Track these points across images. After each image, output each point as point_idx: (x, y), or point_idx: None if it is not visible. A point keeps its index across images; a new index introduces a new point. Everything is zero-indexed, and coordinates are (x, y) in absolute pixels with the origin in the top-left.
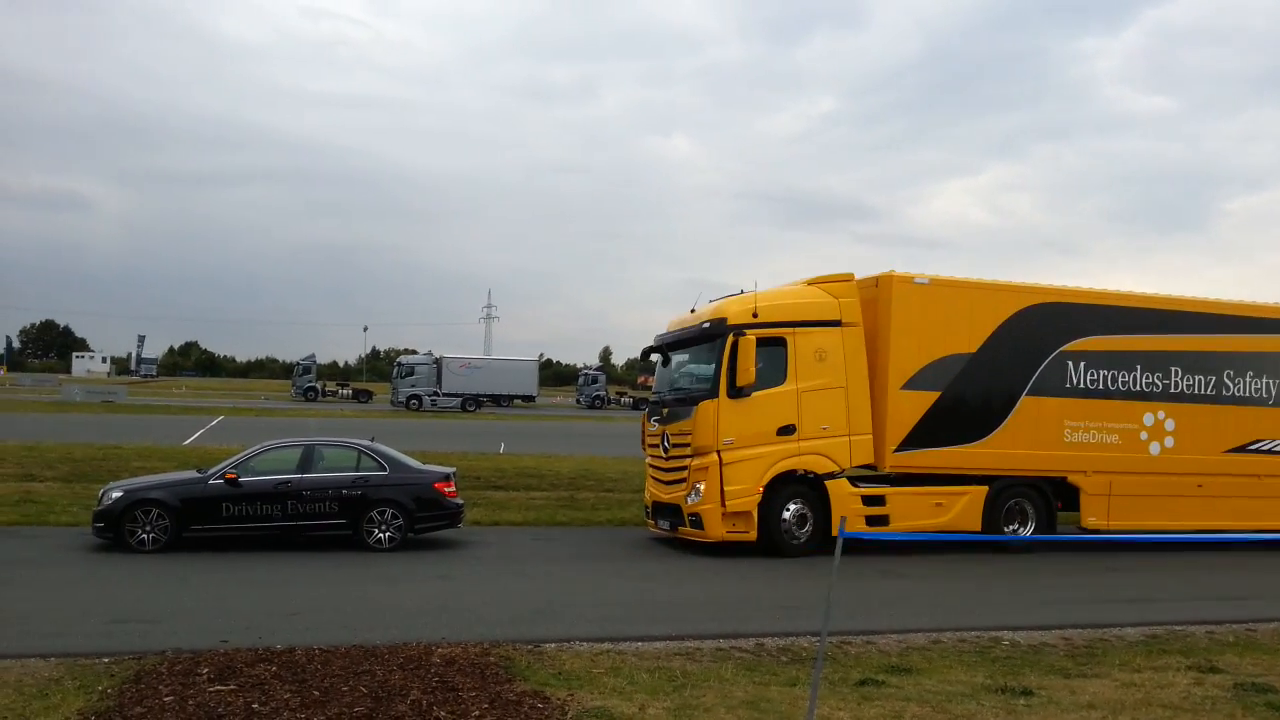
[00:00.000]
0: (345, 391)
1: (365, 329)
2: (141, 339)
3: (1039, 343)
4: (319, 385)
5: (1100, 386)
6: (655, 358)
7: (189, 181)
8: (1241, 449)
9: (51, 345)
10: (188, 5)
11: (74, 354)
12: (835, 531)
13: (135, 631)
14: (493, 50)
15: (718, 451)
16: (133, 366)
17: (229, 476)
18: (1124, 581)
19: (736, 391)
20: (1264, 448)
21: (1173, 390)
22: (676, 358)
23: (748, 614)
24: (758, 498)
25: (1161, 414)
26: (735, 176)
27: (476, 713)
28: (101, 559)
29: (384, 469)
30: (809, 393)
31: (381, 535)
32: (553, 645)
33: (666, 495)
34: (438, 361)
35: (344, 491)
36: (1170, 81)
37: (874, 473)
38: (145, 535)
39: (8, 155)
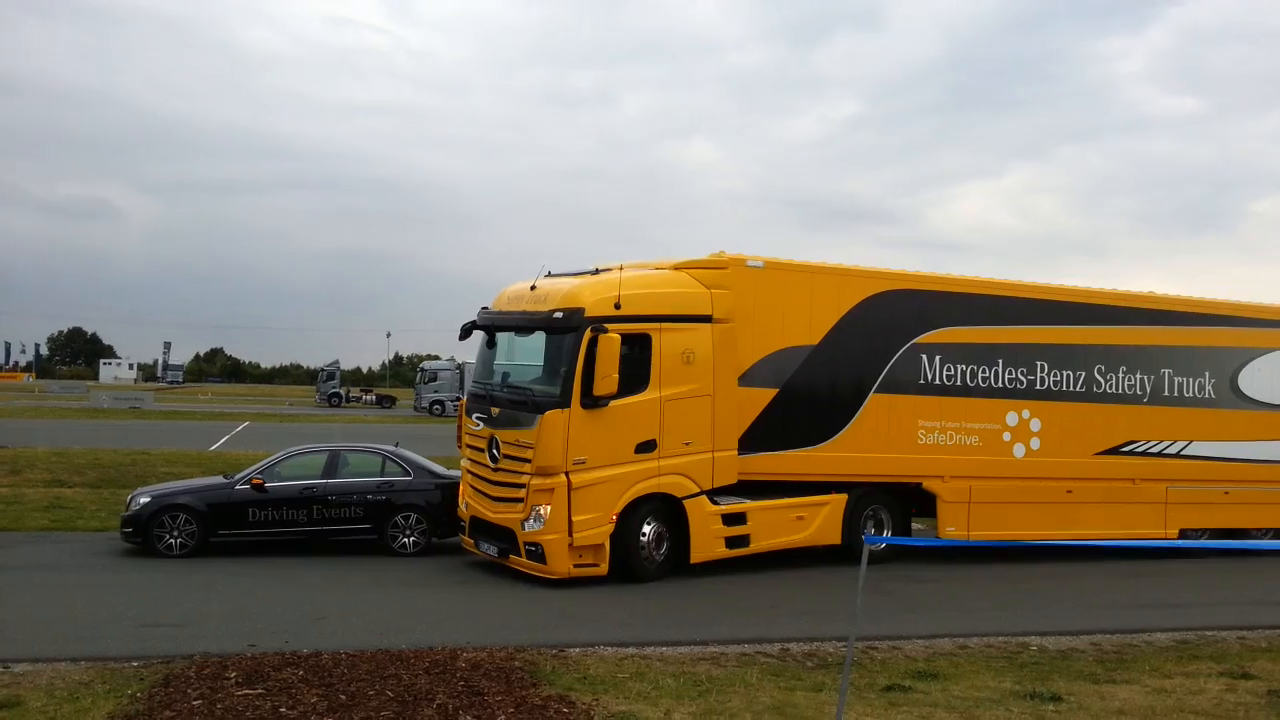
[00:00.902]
0: (369, 397)
1: (388, 335)
2: (168, 346)
3: (889, 334)
4: (343, 391)
5: (958, 383)
6: (479, 335)
7: (214, 190)
8: (1114, 450)
9: (79, 352)
10: (212, 16)
11: (101, 361)
12: (695, 558)
13: (164, 636)
14: (513, 57)
15: (566, 473)
16: (159, 373)
17: (255, 482)
18: (1152, 586)
19: (592, 401)
20: (1139, 449)
21: (1038, 387)
22: (508, 340)
23: (773, 619)
24: (611, 528)
25: (1026, 413)
26: (757, 181)
27: (502, 717)
28: (130, 564)
29: (408, 474)
30: (672, 402)
31: (406, 540)
32: (577, 650)
33: (494, 514)
34: (460, 367)
35: (369, 497)
36: (1198, 82)
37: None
38: (173, 540)
39: (36, 166)
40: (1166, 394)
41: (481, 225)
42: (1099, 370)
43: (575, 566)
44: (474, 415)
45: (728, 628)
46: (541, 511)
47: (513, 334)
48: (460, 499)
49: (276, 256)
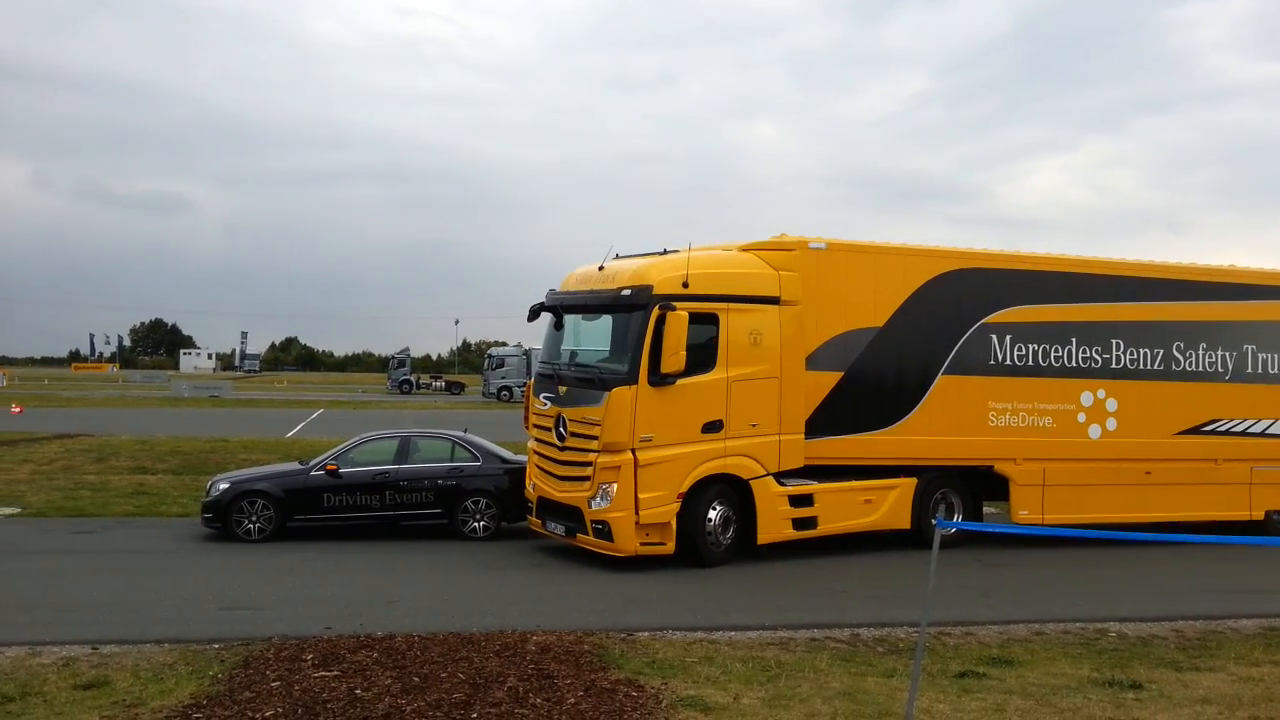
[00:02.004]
0: (438, 384)
1: (457, 322)
2: (244, 335)
3: (957, 314)
4: (413, 378)
5: (1030, 363)
6: (546, 317)
7: (285, 181)
8: (1195, 430)
9: (160, 343)
10: (281, 10)
11: (181, 351)
12: (761, 539)
13: (243, 619)
14: (575, 42)
15: (632, 450)
16: (237, 362)
17: (329, 468)
18: (1239, 571)
19: (660, 378)
20: (1221, 429)
21: (1114, 366)
22: (575, 322)
23: (843, 603)
24: (677, 506)
25: (1102, 393)
26: (822, 160)
27: (572, 700)
28: (210, 548)
29: (477, 459)
30: (739, 383)
31: (476, 524)
32: (646, 634)
33: (561, 493)
34: (527, 353)
35: (439, 482)
36: None
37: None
38: (251, 525)
39: (116, 162)
40: (1250, 371)
41: (545, 211)
42: (1178, 347)
43: (642, 545)
44: (541, 395)
45: (797, 612)
46: (608, 489)
47: (580, 316)
48: (527, 480)
49: (346, 246)
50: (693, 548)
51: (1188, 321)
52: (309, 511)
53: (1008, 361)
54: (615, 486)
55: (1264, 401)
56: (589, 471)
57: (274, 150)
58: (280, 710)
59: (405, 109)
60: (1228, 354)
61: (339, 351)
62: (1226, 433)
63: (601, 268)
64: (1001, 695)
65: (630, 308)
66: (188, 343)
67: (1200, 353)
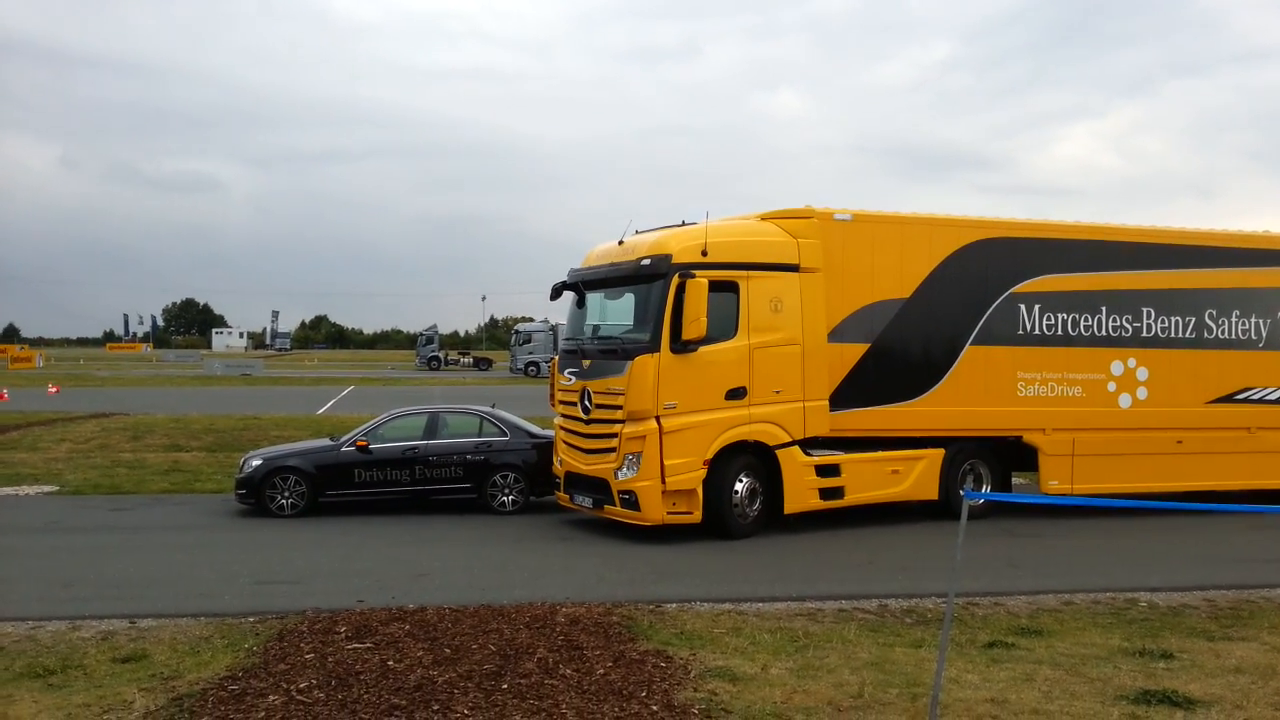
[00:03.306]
0: (466, 360)
1: (484, 298)
2: (275, 314)
3: (985, 284)
4: (442, 354)
5: (1059, 332)
6: (569, 296)
7: (312, 160)
8: (1228, 399)
9: (192, 322)
10: None
11: (214, 330)
12: (788, 508)
13: (277, 592)
14: (597, 14)
15: (657, 418)
16: (268, 340)
17: (360, 444)
18: (1270, 540)
19: (682, 345)
20: (1254, 397)
21: (1145, 334)
22: (598, 299)
23: (870, 575)
24: (703, 473)
25: (1132, 362)
26: (848, 130)
27: (601, 671)
28: (244, 524)
29: (505, 434)
30: (761, 350)
31: (505, 499)
32: (674, 605)
33: (587, 466)
34: (554, 329)
35: (468, 457)
36: None
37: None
38: (284, 501)
39: (142, 143)
40: None
41: (570, 185)
42: (1210, 315)
43: (669, 514)
44: (566, 371)
45: (825, 583)
46: (634, 459)
47: (602, 294)
48: (554, 456)
49: (373, 224)
50: (719, 519)
51: (1220, 289)
52: (340, 487)
53: (1036, 331)
54: (641, 455)
55: None
56: (614, 443)
57: (301, 129)
58: (314, 681)
59: (430, 85)
60: (1261, 321)
61: (368, 329)
62: (1260, 401)
63: (621, 242)
64: (1031, 665)
65: (651, 277)
66: (219, 322)
67: (1233, 320)
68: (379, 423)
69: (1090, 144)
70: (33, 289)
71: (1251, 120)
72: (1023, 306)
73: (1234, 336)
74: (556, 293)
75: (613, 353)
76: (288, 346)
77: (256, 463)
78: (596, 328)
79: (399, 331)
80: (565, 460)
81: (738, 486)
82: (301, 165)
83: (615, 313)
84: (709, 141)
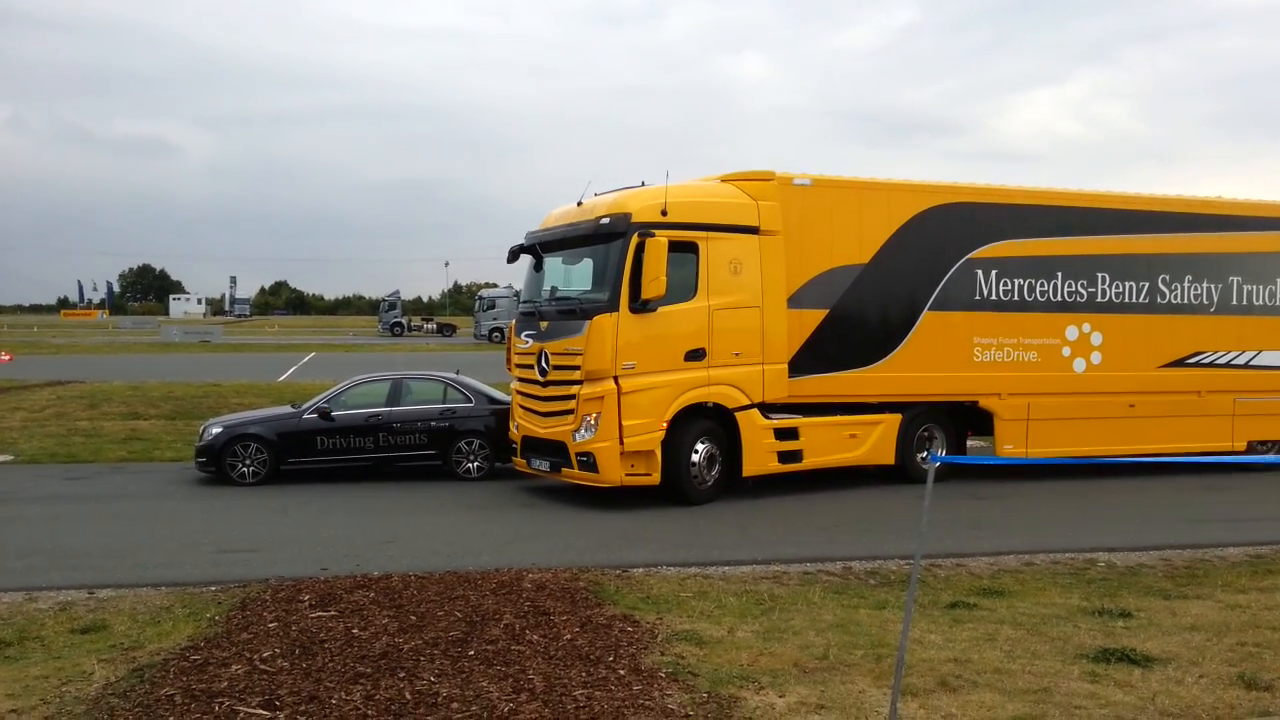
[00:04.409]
0: (430, 326)
1: (446, 264)
2: (234, 280)
3: (942, 250)
4: (404, 320)
5: (1015, 298)
6: (527, 260)
7: (270, 122)
8: (1179, 363)
9: (149, 288)
10: None
11: (171, 296)
12: (746, 470)
13: (240, 561)
14: None
15: (615, 378)
16: (227, 307)
17: (322, 411)
18: (1225, 500)
19: (641, 305)
20: (1205, 360)
21: (1099, 299)
22: (555, 261)
23: (835, 537)
24: (661, 434)
25: (1087, 326)
26: (813, 95)
27: (568, 636)
28: (205, 492)
29: (469, 400)
30: (721, 311)
31: (470, 465)
32: (640, 569)
33: (545, 429)
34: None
35: (432, 423)
36: None
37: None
38: (245, 469)
39: (92, 103)
40: (1234, 303)
41: (534, 149)
42: (1163, 280)
43: (627, 475)
44: (523, 334)
45: (790, 547)
46: (591, 420)
47: (560, 256)
48: (511, 420)
49: (334, 188)
50: (678, 485)
51: (1173, 254)
52: (302, 454)
53: (993, 297)
54: (599, 416)
55: (1247, 333)
56: (572, 405)
57: (258, 90)
58: (278, 650)
59: (390, 46)
60: (1212, 286)
61: (329, 295)
62: (1210, 365)
63: (580, 203)
64: (993, 625)
65: (609, 236)
66: (177, 288)
67: (1185, 285)
68: (341, 389)
69: (1051, 110)
70: None
71: (1209, 86)
72: (980, 272)
73: (1186, 301)
74: (514, 255)
75: (571, 313)
76: (247, 313)
77: (217, 430)
78: (554, 289)
79: (361, 297)
80: (522, 424)
81: (696, 451)
82: (259, 128)
83: (574, 275)
84: (674, 105)
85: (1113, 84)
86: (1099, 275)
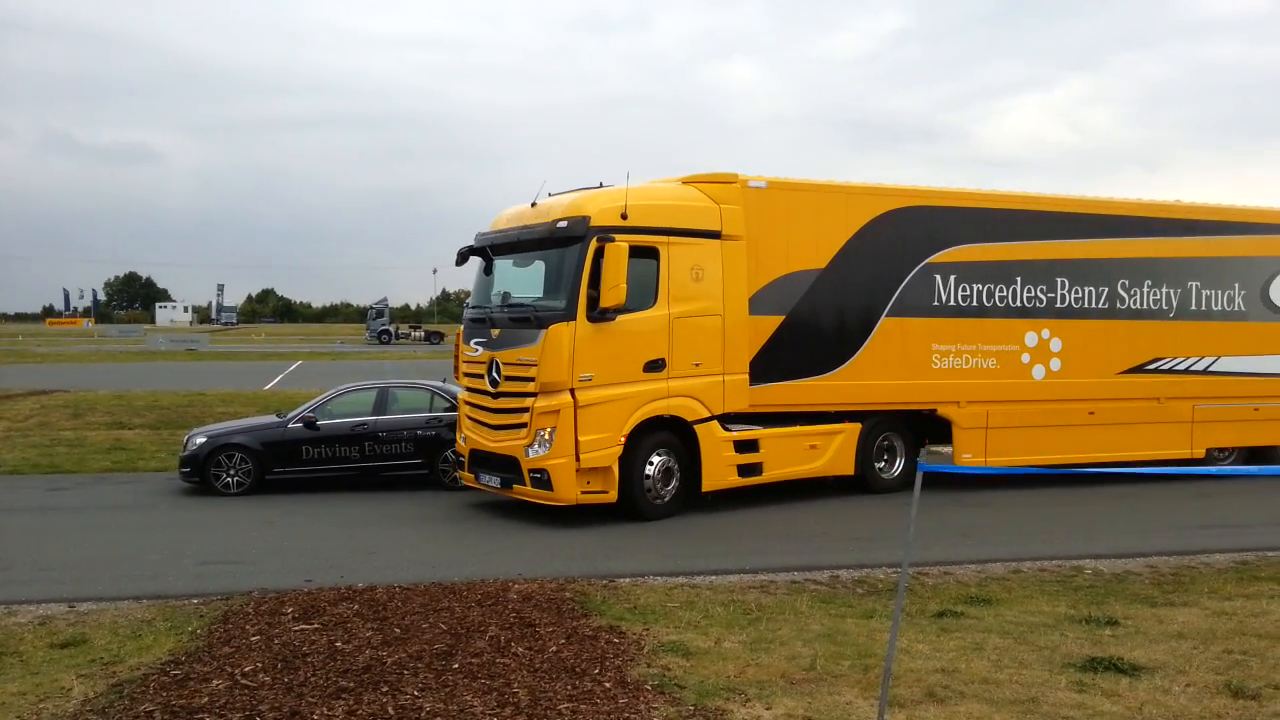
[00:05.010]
0: (418, 334)
1: (435, 271)
2: (220, 288)
3: (900, 254)
4: (392, 328)
5: (974, 303)
6: (476, 262)
7: (257, 129)
8: (1139, 369)
9: (135, 296)
10: None
11: (157, 304)
12: (706, 486)
13: (223, 573)
14: None
15: (572, 390)
16: (213, 315)
17: (307, 420)
18: (1211, 507)
19: (599, 314)
20: (1164, 367)
21: (1059, 305)
22: (507, 264)
23: (821, 546)
24: (619, 449)
25: (1046, 333)
26: (801, 102)
27: (554, 647)
28: (189, 503)
29: (456, 409)
30: (681, 320)
31: (456, 474)
32: (627, 580)
33: (495, 443)
34: None
35: (419, 432)
36: None
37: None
38: (230, 479)
39: (78, 110)
40: (1194, 308)
41: (522, 157)
42: (1122, 285)
43: (583, 493)
44: (472, 341)
45: (776, 556)
46: (546, 434)
47: (512, 259)
48: (458, 432)
49: (322, 195)
50: (631, 500)
51: (1132, 258)
52: (288, 464)
53: (951, 302)
54: (554, 431)
55: (1206, 339)
56: (525, 418)
57: (244, 97)
58: (260, 664)
59: (377, 53)
60: (1171, 291)
61: (317, 302)
62: (1169, 371)
63: (534, 204)
64: (980, 634)
65: (567, 240)
66: (163, 296)
67: (1144, 290)
68: (327, 398)
69: (1038, 115)
70: None
71: (1195, 93)
72: (938, 277)
73: (1145, 306)
74: (463, 258)
75: (525, 321)
76: (234, 321)
77: (201, 440)
78: (506, 295)
79: (348, 305)
80: (470, 437)
81: (650, 464)
82: (245, 135)
83: (527, 279)
84: (663, 112)
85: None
86: (1058, 280)
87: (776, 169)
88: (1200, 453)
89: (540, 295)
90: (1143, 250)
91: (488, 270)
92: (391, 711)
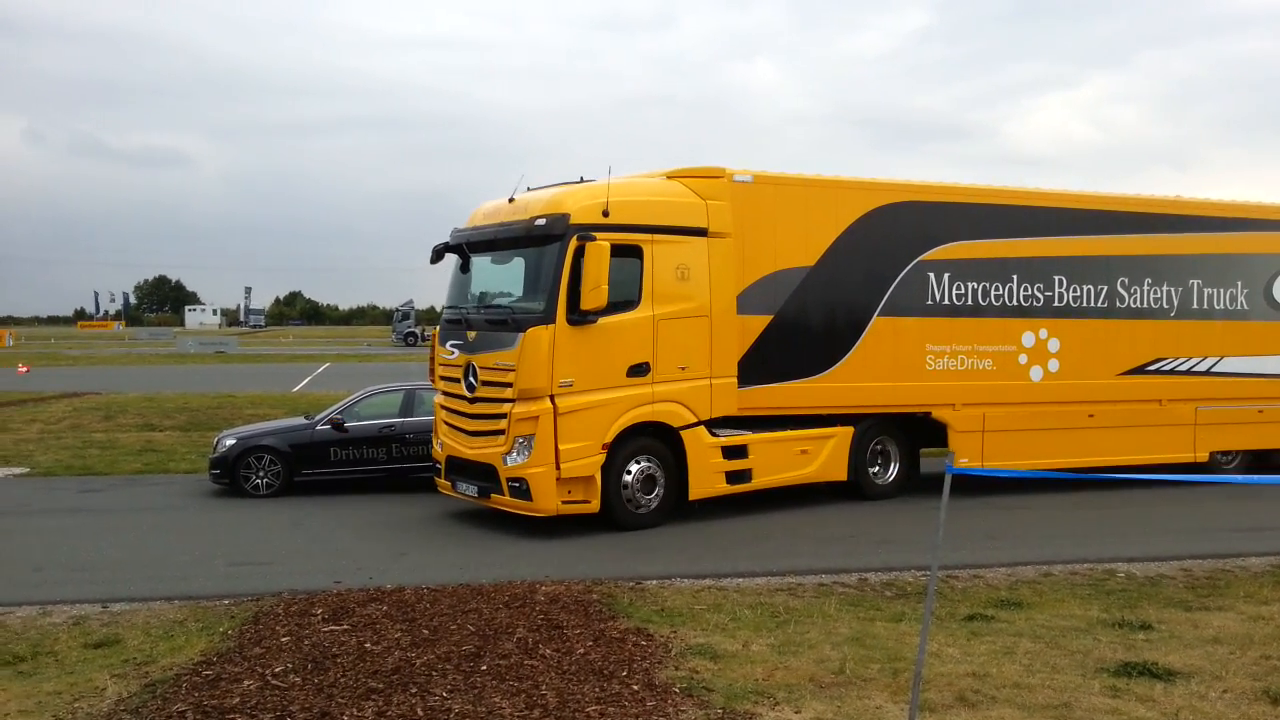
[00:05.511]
0: None
1: (509, 275)
2: (248, 291)
3: (892, 252)
4: (418, 330)
5: (969, 302)
6: (452, 260)
7: (283, 132)
8: (1139, 370)
9: (165, 299)
10: None
11: (186, 307)
12: (693, 494)
13: (253, 574)
14: None
15: (551, 396)
16: (242, 317)
17: (335, 422)
18: (1244, 509)
19: (580, 316)
20: (1166, 368)
21: (1057, 304)
22: (485, 262)
23: (849, 549)
24: (601, 457)
25: (1044, 333)
26: (823, 101)
27: (581, 650)
28: (219, 504)
29: None
30: (667, 321)
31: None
32: (654, 582)
33: (472, 450)
34: None
35: None
36: None
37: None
38: (259, 480)
39: (107, 115)
40: (1196, 307)
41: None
42: (1122, 283)
43: (563, 503)
44: (448, 343)
45: (804, 558)
46: (524, 442)
47: (490, 257)
48: (434, 438)
49: (348, 197)
50: (609, 509)
51: (1132, 256)
52: (316, 466)
53: (946, 301)
54: (533, 438)
55: (1209, 338)
56: (503, 425)
57: (271, 100)
58: (290, 665)
59: (401, 55)
60: (1173, 289)
61: (344, 305)
62: (1171, 372)
63: (512, 199)
64: (1011, 638)
65: (545, 239)
66: (192, 299)
67: (1145, 288)
68: (354, 400)
69: (1064, 114)
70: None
71: (1223, 89)
72: (932, 275)
73: (1146, 305)
74: (438, 255)
75: (502, 324)
76: (262, 323)
77: (230, 442)
78: (483, 295)
79: (375, 307)
80: (447, 443)
81: (629, 473)
82: (272, 138)
83: (503, 276)
84: (686, 111)
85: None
86: (1056, 278)
87: (799, 168)
88: (1203, 456)
89: (518, 296)
90: (1143, 247)
91: (464, 268)
92: (421, 713)
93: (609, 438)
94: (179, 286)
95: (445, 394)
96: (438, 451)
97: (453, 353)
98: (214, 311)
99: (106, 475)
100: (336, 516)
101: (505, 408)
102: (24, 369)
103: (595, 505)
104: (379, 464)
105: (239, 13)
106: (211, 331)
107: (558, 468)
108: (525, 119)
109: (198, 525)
